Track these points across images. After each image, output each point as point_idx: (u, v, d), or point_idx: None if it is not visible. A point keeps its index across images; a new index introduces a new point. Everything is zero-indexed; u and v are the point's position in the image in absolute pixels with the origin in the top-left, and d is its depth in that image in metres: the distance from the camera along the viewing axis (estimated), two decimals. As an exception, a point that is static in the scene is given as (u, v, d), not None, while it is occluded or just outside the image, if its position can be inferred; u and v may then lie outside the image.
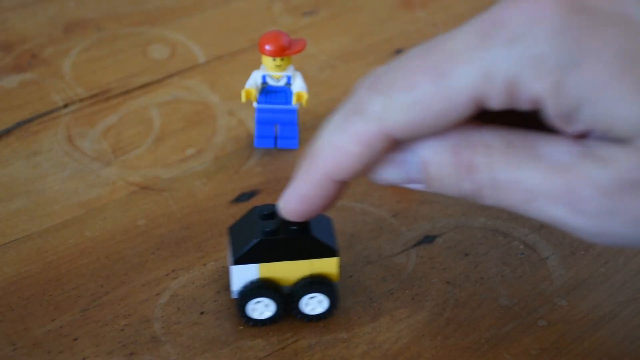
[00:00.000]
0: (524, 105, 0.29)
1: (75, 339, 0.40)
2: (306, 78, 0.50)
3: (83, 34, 0.60)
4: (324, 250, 0.39)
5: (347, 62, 0.58)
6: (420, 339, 0.40)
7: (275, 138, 0.51)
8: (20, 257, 0.44)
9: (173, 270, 0.43)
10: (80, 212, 0.47)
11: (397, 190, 0.48)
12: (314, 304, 0.40)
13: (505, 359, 0.40)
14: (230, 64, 0.58)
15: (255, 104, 0.50)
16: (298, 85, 0.49)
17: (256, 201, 0.48)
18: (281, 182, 0.49)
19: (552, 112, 0.28)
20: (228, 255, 0.41)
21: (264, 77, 0.49)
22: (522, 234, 0.46)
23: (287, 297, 0.40)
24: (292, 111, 0.50)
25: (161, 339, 0.40)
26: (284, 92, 0.50)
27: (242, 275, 0.39)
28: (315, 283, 0.40)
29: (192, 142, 0.51)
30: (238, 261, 0.39)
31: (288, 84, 0.49)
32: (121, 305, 0.42)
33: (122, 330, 0.41)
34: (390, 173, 0.32)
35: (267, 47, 0.48)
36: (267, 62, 0.48)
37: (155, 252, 0.44)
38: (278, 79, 0.49)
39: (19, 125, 0.52)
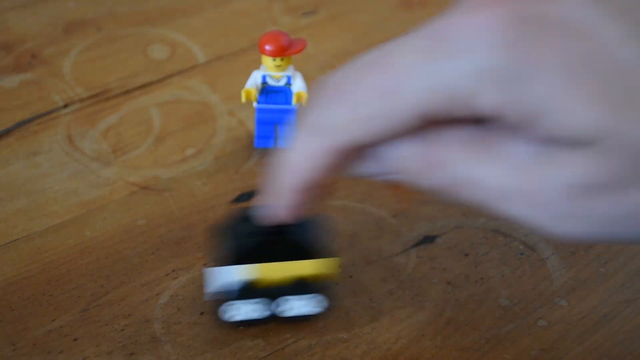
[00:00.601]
0: (479, 114, 0.29)
1: (75, 339, 0.40)
2: (306, 78, 0.50)
3: (83, 34, 0.60)
4: (304, 253, 0.39)
5: (347, 62, 0.57)
6: (420, 339, 0.40)
7: (275, 138, 0.51)
8: (20, 257, 0.44)
9: (173, 270, 0.43)
10: (80, 212, 0.47)
11: (397, 191, 0.48)
12: (298, 305, 0.40)
13: (505, 359, 0.40)
14: (230, 64, 0.58)
15: (255, 104, 0.50)
16: (298, 85, 0.49)
17: (256, 201, 0.48)
18: (281, 182, 0.49)
19: (510, 122, 0.28)
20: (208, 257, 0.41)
21: (264, 77, 0.49)
22: (522, 234, 0.46)
23: (268, 298, 0.40)
24: (292, 111, 0.50)
25: (161, 339, 0.40)
26: (284, 92, 0.50)
27: (218, 277, 0.39)
28: (298, 285, 0.39)
29: (192, 142, 0.51)
30: (215, 263, 0.39)
31: (288, 84, 0.49)
32: (121, 305, 0.42)
33: (122, 330, 0.40)
34: (366, 168, 0.32)
35: (267, 47, 0.48)
36: (267, 62, 0.48)
37: (155, 252, 0.44)
38: (278, 79, 0.49)
39: (19, 125, 0.52)
